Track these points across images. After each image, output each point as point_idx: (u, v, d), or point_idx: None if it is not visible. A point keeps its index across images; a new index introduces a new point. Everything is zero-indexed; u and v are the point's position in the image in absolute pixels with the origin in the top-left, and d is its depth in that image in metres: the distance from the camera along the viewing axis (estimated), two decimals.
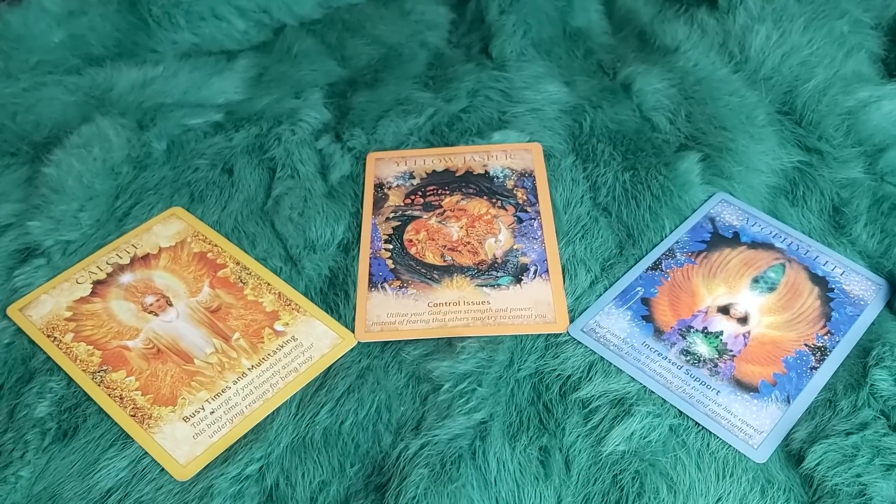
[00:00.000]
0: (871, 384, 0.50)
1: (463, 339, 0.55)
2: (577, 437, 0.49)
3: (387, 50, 0.80)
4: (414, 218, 0.64)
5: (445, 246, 0.61)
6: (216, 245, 0.62)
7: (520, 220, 0.63)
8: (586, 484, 0.47)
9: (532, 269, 0.59)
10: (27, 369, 0.54)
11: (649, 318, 0.56)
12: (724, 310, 0.56)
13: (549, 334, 0.55)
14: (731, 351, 0.54)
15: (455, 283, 0.59)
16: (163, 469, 0.49)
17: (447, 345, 0.55)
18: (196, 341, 0.55)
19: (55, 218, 0.63)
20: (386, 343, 0.55)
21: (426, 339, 0.55)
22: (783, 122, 0.68)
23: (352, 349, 0.55)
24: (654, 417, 0.50)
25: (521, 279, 0.58)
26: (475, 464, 0.48)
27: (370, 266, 0.60)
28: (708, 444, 0.49)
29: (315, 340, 0.55)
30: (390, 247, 0.61)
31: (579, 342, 0.54)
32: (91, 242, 0.62)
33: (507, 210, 0.64)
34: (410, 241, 0.62)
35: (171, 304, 0.58)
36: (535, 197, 0.64)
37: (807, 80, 0.69)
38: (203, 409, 0.52)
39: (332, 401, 0.52)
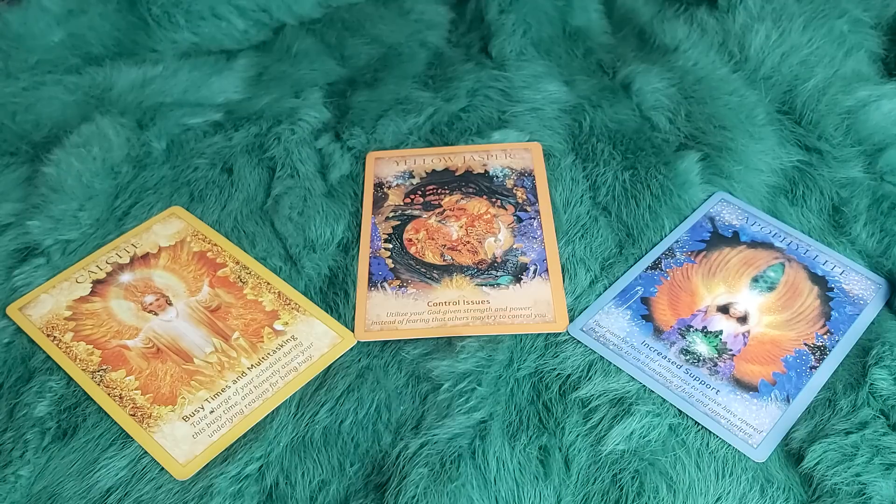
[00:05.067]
0: (871, 383, 0.50)
1: (462, 338, 0.55)
2: (577, 436, 0.49)
3: (386, 49, 0.80)
4: (413, 217, 0.64)
5: (445, 245, 0.61)
6: (216, 244, 0.62)
7: (519, 220, 0.63)
8: (586, 483, 0.47)
9: (532, 268, 0.59)
10: (27, 369, 0.54)
11: (649, 317, 0.56)
12: (724, 309, 0.56)
13: (548, 333, 0.55)
14: (731, 350, 0.54)
15: (455, 283, 0.59)
16: (162, 468, 0.49)
17: (447, 344, 0.55)
18: (196, 340, 0.55)
19: (55, 217, 0.63)
20: (385, 342, 0.55)
21: (426, 339, 0.55)
22: (783, 122, 0.68)
23: (351, 348, 0.55)
24: (654, 417, 0.50)
25: (521, 278, 0.58)
26: (475, 463, 0.48)
27: (370, 265, 0.60)
28: (707, 444, 0.49)
29: (315, 340, 0.55)
30: (390, 246, 0.61)
31: (579, 341, 0.54)
32: (90, 242, 0.62)
33: (506, 209, 0.64)
34: (410, 240, 0.62)
35: (170, 304, 0.58)
36: (535, 196, 0.64)
37: (806, 79, 0.69)
38: (203, 408, 0.52)
39: (331, 400, 0.52)
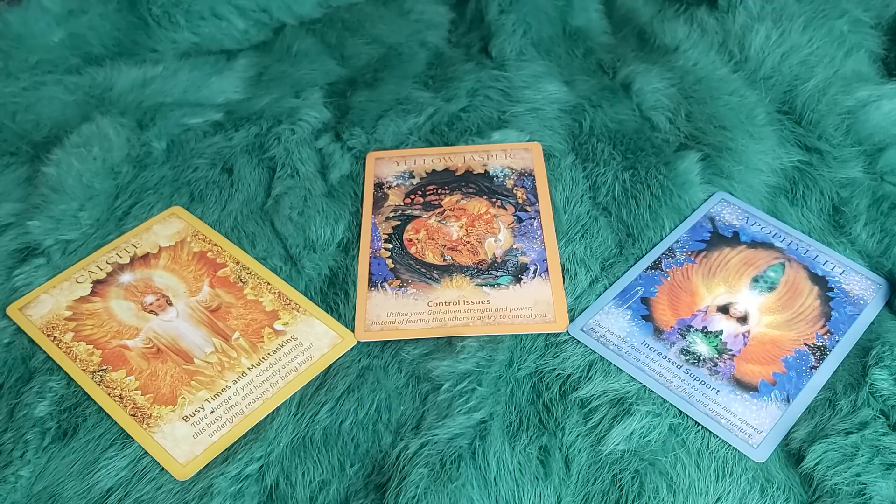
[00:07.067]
0: (871, 383, 0.50)
1: (463, 338, 0.55)
2: (577, 436, 0.49)
3: (386, 49, 0.80)
4: (414, 217, 0.64)
5: (445, 245, 0.61)
6: (216, 244, 0.62)
7: (519, 220, 0.63)
8: (586, 483, 0.47)
9: (532, 268, 0.59)
10: (27, 369, 0.54)
11: (649, 317, 0.56)
12: (724, 309, 0.56)
13: (548, 334, 0.55)
14: (731, 350, 0.54)
15: (455, 283, 0.59)
16: (163, 468, 0.49)
17: (447, 344, 0.55)
18: (196, 341, 0.55)
19: (55, 217, 0.63)
20: (386, 342, 0.55)
21: (426, 339, 0.55)
22: (783, 122, 0.68)
23: (351, 348, 0.55)
24: (654, 417, 0.50)
25: (521, 278, 0.58)
26: (475, 463, 0.48)
27: (370, 265, 0.60)
28: (707, 444, 0.49)
29: (315, 340, 0.55)
30: (390, 246, 0.61)
31: (579, 341, 0.54)
32: (91, 242, 0.62)
33: (506, 209, 0.64)
34: (410, 240, 0.62)
35: (170, 304, 0.58)
36: (535, 196, 0.64)
37: (806, 79, 0.69)
38: (203, 408, 0.52)
39: (331, 400, 0.52)
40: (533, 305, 0.57)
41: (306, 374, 0.54)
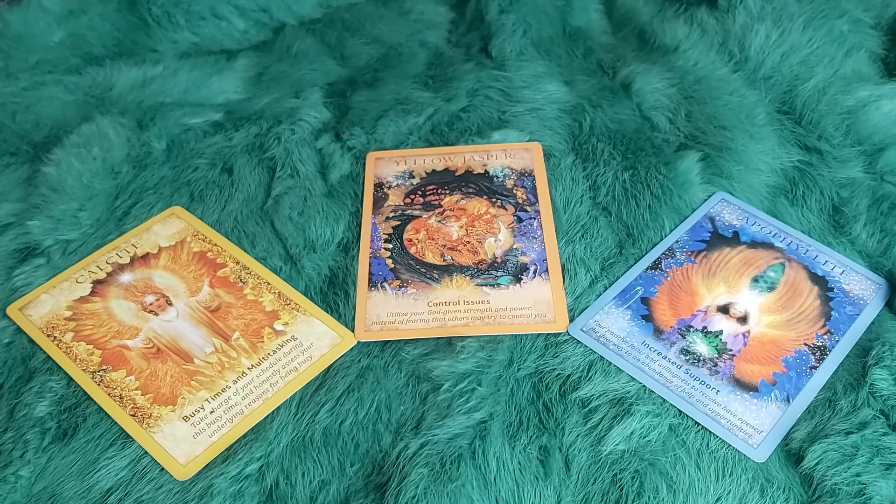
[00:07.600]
0: (871, 383, 0.50)
1: (463, 338, 0.55)
2: (577, 436, 0.49)
3: (386, 49, 0.80)
4: (414, 217, 0.64)
5: (445, 245, 0.61)
6: (216, 244, 0.62)
7: (519, 220, 0.63)
8: (586, 483, 0.47)
9: (532, 268, 0.59)
10: (27, 369, 0.54)
11: (649, 317, 0.56)
12: (724, 309, 0.56)
13: (548, 334, 0.55)
14: (731, 350, 0.54)
15: (455, 283, 0.59)
16: (163, 468, 0.49)
17: (447, 344, 0.55)
18: (196, 341, 0.55)
19: (55, 217, 0.63)
20: (386, 342, 0.55)
21: (426, 339, 0.55)
22: (783, 122, 0.68)
23: (351, 349, 0.55)
24: (654, 417, 0.50)
25: (521, 279, 0.58)
26: (475, 463, 0.48)
27: (370, 265, 0.60)
28: (707, 444, 0.49)
29: (315, 340, 0.55)
30: (390, 246, 0.61)
31: (579, 341, 0.54)
32: (91, 242, 0.62)
33: (506, 209, 0.64)
34: (410, 240, 0.62)
35: (170, 304, 0.58)
36: (535, 196, 0.64)
37: (806, 79, 0.69)
38: (203, 408, 0.52)
39: (331, 400, 0.52)
40: (533, 305, 0.57)
41: (306, 374, 0.54)
